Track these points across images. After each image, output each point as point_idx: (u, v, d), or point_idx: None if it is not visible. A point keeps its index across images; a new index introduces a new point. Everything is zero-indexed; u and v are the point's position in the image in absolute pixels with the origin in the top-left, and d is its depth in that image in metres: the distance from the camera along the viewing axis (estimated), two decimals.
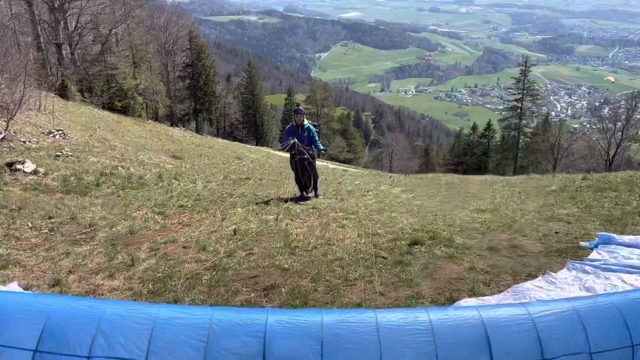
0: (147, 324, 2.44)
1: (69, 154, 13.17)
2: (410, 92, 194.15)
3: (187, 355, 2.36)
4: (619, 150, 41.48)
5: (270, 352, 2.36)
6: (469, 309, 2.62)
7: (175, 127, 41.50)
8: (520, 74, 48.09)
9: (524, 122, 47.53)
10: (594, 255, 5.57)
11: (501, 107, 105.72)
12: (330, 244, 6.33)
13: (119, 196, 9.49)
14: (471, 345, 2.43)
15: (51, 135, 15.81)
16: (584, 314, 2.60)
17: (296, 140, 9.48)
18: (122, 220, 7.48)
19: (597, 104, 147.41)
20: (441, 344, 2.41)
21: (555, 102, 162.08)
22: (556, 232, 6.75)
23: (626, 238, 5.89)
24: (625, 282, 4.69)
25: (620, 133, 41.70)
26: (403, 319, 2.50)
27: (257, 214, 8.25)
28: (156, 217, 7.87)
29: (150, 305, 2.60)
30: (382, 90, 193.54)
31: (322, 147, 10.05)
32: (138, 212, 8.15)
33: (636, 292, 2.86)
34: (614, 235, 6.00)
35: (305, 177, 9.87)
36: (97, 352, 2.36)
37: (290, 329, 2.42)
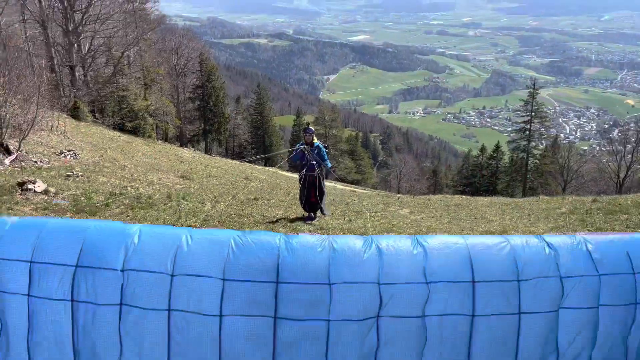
0: (175, 242, 2.82)
1: (80, 174, 13.31)
2: (418, 114, 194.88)
3: (209, 269, 2.73)
4: (629, 172, 41.12)
5: (284, 262, 2.81)
6: (455, 237, 3.02)
7: (185, 148, 41.82)
8: (528, 96, 48.08)
9: (532, 144, 47.35)
10: None
11: (509, 128, 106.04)
12: None
13: (128, 216, 9.55)
14: (455, 264, 2.86)
15: (62, 155, 16.01)
16: (558, 247, 2.99)
17: (306, 147, 9.59)
18: None
19: (607, 126, 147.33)
20: (431, 259, 2.85)
21: (564, 124, 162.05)
22: None
23: None
24: None
25: (630, 155, 41.40)
26: (397, 241, 2.97)
27: None
28: None
29: (177, 228, 2.99)
30: (390, 112, 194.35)
31: (330, 165, 10.10)
32: None
33: (607, 234, 3.22)
34: None
35: (313, 194, 9.87)
36: (130, 266, 2.75)
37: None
